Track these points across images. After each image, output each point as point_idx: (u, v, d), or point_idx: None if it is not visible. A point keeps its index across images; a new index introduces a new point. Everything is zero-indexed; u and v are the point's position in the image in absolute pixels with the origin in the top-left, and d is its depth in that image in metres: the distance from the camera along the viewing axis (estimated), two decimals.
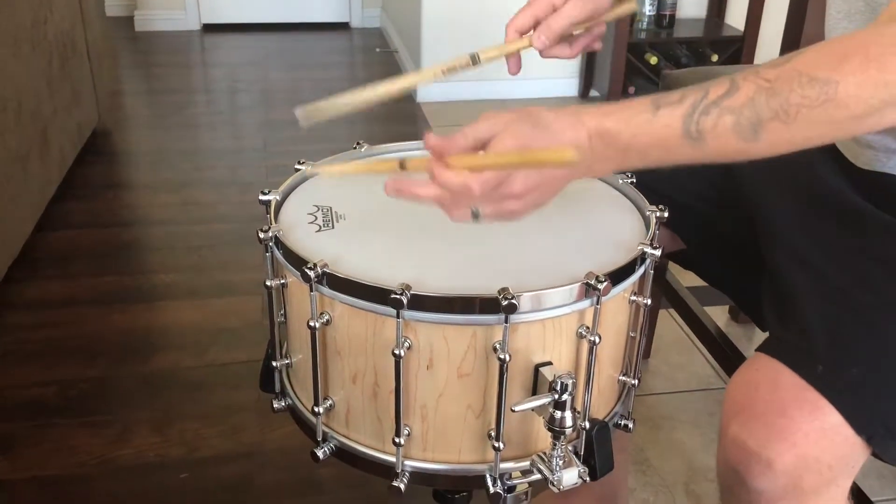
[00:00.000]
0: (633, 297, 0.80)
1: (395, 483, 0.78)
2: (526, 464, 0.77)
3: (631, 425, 0.86)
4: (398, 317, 0.70)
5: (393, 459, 0.78)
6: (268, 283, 0.82)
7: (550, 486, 0.74)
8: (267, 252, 0.81)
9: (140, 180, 2.68)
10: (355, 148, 0.96)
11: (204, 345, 1.77)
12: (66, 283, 1.99)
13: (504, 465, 0.77)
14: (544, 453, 0.74)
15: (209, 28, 4.29)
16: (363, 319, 0.73)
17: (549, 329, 0.73)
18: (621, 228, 0.85)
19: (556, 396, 0.70)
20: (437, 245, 0.80)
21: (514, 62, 0.88)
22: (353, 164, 0.83)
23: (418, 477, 0.78)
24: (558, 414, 0.70)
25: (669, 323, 1.85)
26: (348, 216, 0.85)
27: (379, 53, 3.98)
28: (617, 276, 0.74)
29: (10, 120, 1.93)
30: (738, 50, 3.17)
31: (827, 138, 0.69)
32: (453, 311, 0.70)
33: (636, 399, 0.89)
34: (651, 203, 0.85)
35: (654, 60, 3.14)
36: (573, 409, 0.71)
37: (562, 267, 0.75)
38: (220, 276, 2.05)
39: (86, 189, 2.47)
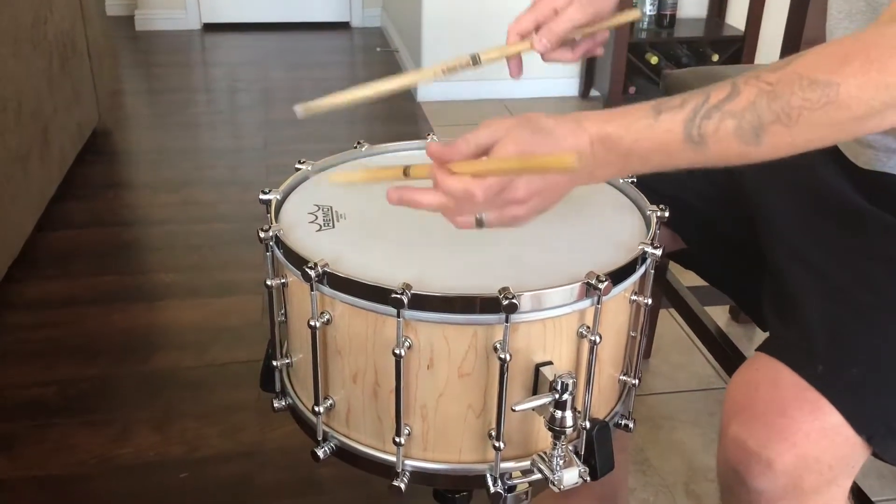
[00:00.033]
0: (634, 297, 0.80)
1: (395, 483, 0.77)
2: (526, 463, 0.77)
3: (631, 425, 0.86)
4: (399, 316, 0.70)
5: (393, 459, 0.78)
6: (268, 282, 0.82)
7: (551, 485, 0.74)
8: (267, 251, 0.81)
9: (140, 180, 2.68)
10: (356, 147, 0.96)
11: (204, 344, 1.77)
12: (66, 283, 1.99)
13: (504, 465, 0.77)
14: (545, 453, 0.74)
15: (209, 27, 4.30)
16: (364, 319, 0.73)
17: (549, 329, 0.73)
18: (622, 228, 0.85)
19: (557, 396, 0.70)
20: (438, 244, 0.80)
21: (516, 65, 0.88)
22: (357, 173, 0.83)
23: (418, 476, 0.78)
24: (559, 413, 0.70)
25: (670, 323, 1.85)
26: (349, 215, 0.85)
27: (379, 53, 3.98)
28: (617, 276, 0.74)
29: (10, 120, 1.93)
30: (738, 50, 3.17)
31: (828, 140, 0.69)
32: (454, 310, 0.70)
33: (636, 399, 0.89)
34: (652, 203, 0.85)
35: (654, 60, 3.14)
36: (574, 409, 0.71)
37: (562, 266, 0.75)
38: (221, 275, 2.04)
39: (86, 189, 2.47)
